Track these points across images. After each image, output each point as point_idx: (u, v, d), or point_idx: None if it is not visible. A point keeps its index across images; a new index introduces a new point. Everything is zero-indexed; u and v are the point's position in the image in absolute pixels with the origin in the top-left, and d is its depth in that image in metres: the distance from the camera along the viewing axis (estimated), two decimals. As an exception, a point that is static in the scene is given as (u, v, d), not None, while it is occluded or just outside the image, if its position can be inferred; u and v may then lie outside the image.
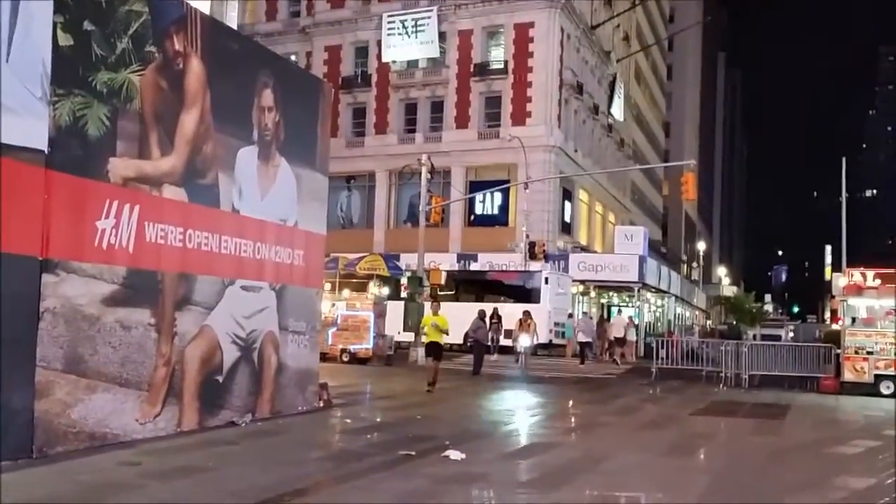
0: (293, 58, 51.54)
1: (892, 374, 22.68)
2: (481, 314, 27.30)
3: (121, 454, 10.16)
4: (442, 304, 32.41)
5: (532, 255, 41.54)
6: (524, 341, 27.39)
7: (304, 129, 15.42)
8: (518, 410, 17.41)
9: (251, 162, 13.75)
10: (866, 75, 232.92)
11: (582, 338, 33.29)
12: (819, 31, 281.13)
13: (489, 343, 29.54)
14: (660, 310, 62.11)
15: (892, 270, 24.11)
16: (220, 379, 12.95)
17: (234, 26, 48.97)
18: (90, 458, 9.73)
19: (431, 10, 50.31)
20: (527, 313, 28.50)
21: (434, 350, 19.67)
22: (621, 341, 35.07)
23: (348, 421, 14.69)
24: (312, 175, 15.65)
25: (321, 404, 15.74)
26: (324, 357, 22.72)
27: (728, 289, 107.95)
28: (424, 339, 20.38)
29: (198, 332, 12.40)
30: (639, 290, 47.83)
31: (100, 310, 10.62)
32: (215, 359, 12.82)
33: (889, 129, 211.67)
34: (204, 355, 12.53)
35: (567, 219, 52.72)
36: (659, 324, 60.24)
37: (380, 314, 28.53)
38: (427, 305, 31.35)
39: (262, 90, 14.05)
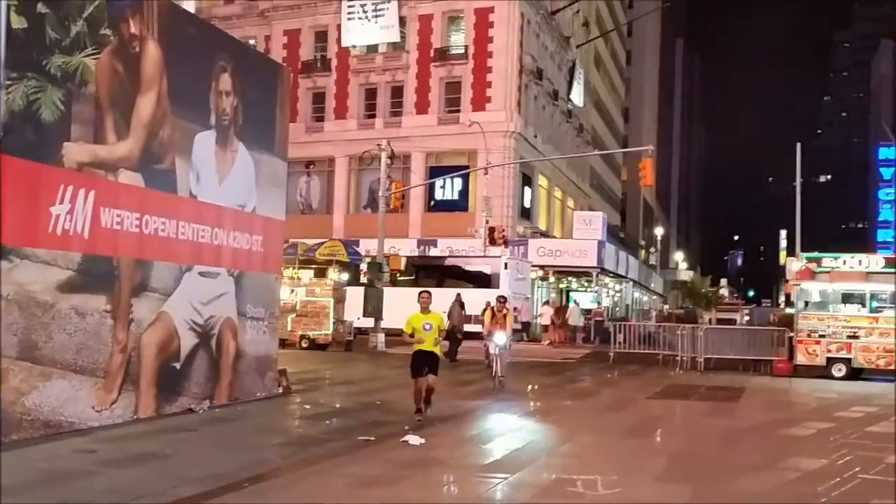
0: (252, 42, 51.00)
1: (844, 356, 23.11)
2: (459, 299, 26.64)
3: (77, 442, 10.09)
4: (401, 289, 31.80)
5: (492, 241, 41.69)
6: (500, 340, 18.62)
7: (262, 114, 15.33)
8: (478, 395, 17.49)
9: (209, 147, 13.64)
10: (821, 62, 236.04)
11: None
12: (776, 17, 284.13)
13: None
14: (618, 294, 62.61)
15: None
16: (178, 366, 12.88)
17: (192, 10, 48.08)
18: (46, 446, 9.64)
19: (392, -5, 50.07)
20: (502, 300, 19.55)
21: (429, 362, 13.08)
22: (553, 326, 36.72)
23: (307, 407, 14.68)
24: (271, 160, 15.56)
25: (280, 390, 15.71)
26: (283, 343, 22.72)
27: (685, 273, 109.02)
28: (415, 344, 13.07)
29: (155, 319, 12.32)
30: (597, 275, 48.14)
31: (54, 296, 10.51)
32: (172, 345, 12.75)
33: (843, 114, 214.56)
34: (161, 342, 12.45)
35: (527, 204, 52.89)
36: (617, 308, 60.73)
37: (339, 300, 28.47)
38: (393, 292, 31.52)
39: (220, 74, 13.93)
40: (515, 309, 29.10)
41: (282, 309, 21.60)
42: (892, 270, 24.13)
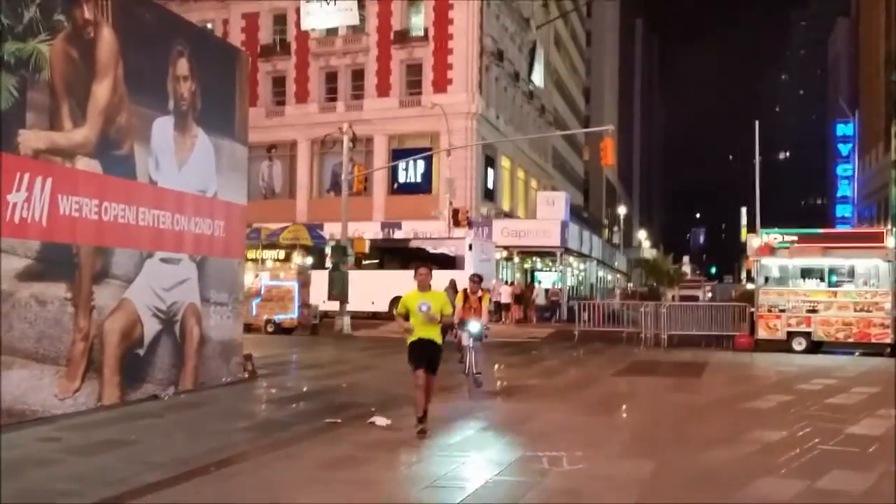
0: (209, 26, 50.60)
1: (804, 330, 23.48)
2: (453, 284, 25.15)
3: (40, 430, 10.03)
4: (366, 272, 31.51)
5: (456, 222, 41.79)
6: (474, 328, 15.02)
7: (221, 99, 15.22)
8: (445, 375, 17.55)
9: (167, 132, 13.54)
10: (780, 40, 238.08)
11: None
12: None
13: None
14: (582, 273, 63.01)
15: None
16: (142, 352, 12.82)
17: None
18: (8, 435, 9.56)
19: (350, -23, 49.77)
20: (477, 280, 15.43)
21: (428, 354, 10.62)
22: (507, 306, 37.37)
23: (273, 391, 14.69)
24: (231, 145, 15.48)
25: (246, 375, 15.69)
26: (248, 328, 22.67)
27: (648, 251, 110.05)
28: (407, 334, 10.72)
29: (117, 306, 12.25)
30: (561, 255, 48.44)
31: (13, 285, 10.40)
32: (135, 332, 12.68)
33: (801, 92, 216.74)
34: (124, 329, 12.38)
35: (490, 185, 52.99)
36: (581, 287, 61.14)
37: (304, 284, 28.42)
38: (358, 276, 31.53)
39: (177, 59, 13.81)
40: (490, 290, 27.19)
41: (246, 293, 21.52)
42: (850, 245, 24.57)
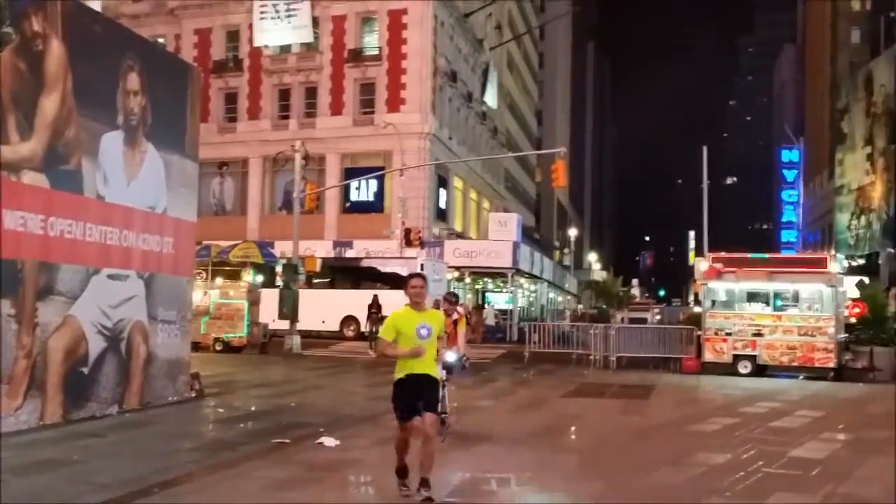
0: (161, 41, 50.09)
1: (749, 353, 23.81)
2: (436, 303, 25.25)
3: (-21, 450, 9.78)
4: (317, 291, 31.21)
5: (408, 242, 41.75)
6: (450, 358, 11.76)
7: (172, 115, 15.08)
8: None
9: (116, 147, 13.37)
10: (727, 66, 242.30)
11: None
12: (685, 21, 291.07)
13: (371, 338, 27.96)
14: (533, 295, 63.30)
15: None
16: (86, 370, 12.59)
17: (98, 7, 47.12)
18: (-54, 456, 9.33)
19: (305, -5, 49.74)
20: (452, 299, 13.11)
21: (426, 396, 8.02)
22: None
23: (221, 410, 14.51)
24: (182, 161, 15.33)
25: (193, 394, 15.49)
26: (197, 346, 22.40)
27: (598, 273, 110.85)
28: (399, 365, 8.11)
29: (61, 323, 12.03)
30: (512, 276, 48.60)
31: (-45, 301, 10.17)
32: (80, 350, 12.46)
33: (748, 118, 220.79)
34: (68, 346, 12.16)
35: (442, 205, 53.11)
36: (532, 308, 61.40)
37: (254, 302, 28.18)
38: (309, 294, 31.39)
39: (128, 74, 13.67)
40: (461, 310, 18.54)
41: (195, 311, 21.28)
42: (794, 270, 24.99)
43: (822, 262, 25.72)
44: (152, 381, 14.27)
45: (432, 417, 7.92)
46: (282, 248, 39.63)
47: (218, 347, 26.95)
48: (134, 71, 13.79)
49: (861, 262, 55.31)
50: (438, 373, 8.30)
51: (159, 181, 14.59)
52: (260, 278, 36.94)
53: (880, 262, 50.10)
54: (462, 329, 12.64)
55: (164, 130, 14.68)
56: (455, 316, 12.63)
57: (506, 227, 49.73)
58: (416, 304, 7.95)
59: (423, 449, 7.77)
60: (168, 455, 10.20)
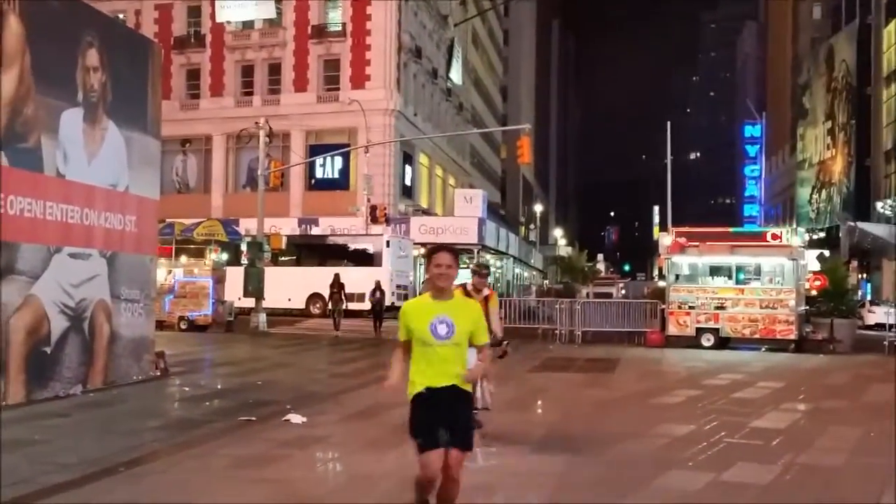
0: (121, 16, 49.33)
1: (712, 326, 24.10)
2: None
3: (-60, 432, 9.67)
4: (282, 268, 31.09)
5: (373, 219, 41.73)
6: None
7: (133, 91, 14.90)
8: (362, 373, 17.52)
9: (76, 124, 13.20)
10: (691, 42, 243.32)
11: None
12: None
13: (334, 317, 27.76)
14: (499, 271, 63.48)
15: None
16: (49, 350, 12.48)
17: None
18: None
19: (267, -30, 49.23)
20: (484, 272, 10.55)
21: (450, 418, 5.57)
22: None
23: (186, 389, 14.45)
24: (143, 138, 15.16)
25: (158, 373, 15.41)
26: (161, 325, 22.29)
27: (564, 249, 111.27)
28: (412, 380, 5.62)
29: (22, 303, 11.90)
30: (478, 252, 48.73)
31: (-88, 281, 10.03)
32: (42, 329, 12.34)
33: (711, 94, 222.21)
34: (29, 326, 12.04)
35: (408, 182, 53.04)
36: (499, 284, 61.58)
37: (219, 280, 28.03)
38: (274, 272, 31.29)
39: (87, 50, 13.47)
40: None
41: (159, 290, 21.13)
42: (755, 244, 25.31)
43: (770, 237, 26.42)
44: (116, 361, 14.17)
45: (460, 457, 5.61)
46: (246, 225, 39.47)
47: (183, 326, 26.80)
48: (93, 47, 13.60)
49: (822, 235, 56.15)
50: (464, 381, 5.73)
51: (121, 159, 14.43)
52: (225, 256, 36.72)
53: (840, 235, 50.83)
54: (494, 307, 10.32)
55: (125, 107, 14.50)
56: (486, 292, 10.26)
57: (471, 203, 49.83)
58: (437, 291, 5.71)
59: (440, 493, 5.69)
60: (133, 434, 10.15)
